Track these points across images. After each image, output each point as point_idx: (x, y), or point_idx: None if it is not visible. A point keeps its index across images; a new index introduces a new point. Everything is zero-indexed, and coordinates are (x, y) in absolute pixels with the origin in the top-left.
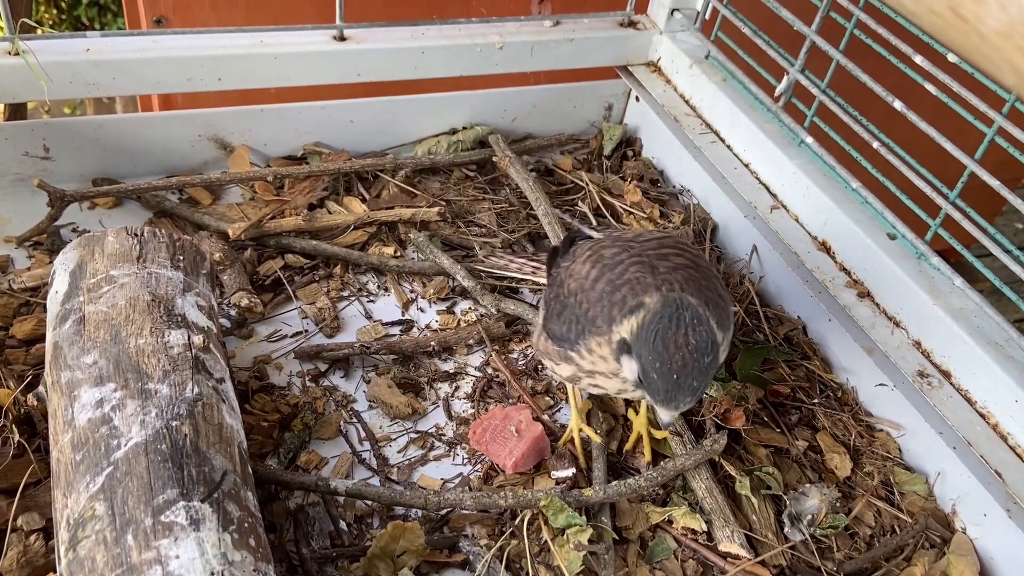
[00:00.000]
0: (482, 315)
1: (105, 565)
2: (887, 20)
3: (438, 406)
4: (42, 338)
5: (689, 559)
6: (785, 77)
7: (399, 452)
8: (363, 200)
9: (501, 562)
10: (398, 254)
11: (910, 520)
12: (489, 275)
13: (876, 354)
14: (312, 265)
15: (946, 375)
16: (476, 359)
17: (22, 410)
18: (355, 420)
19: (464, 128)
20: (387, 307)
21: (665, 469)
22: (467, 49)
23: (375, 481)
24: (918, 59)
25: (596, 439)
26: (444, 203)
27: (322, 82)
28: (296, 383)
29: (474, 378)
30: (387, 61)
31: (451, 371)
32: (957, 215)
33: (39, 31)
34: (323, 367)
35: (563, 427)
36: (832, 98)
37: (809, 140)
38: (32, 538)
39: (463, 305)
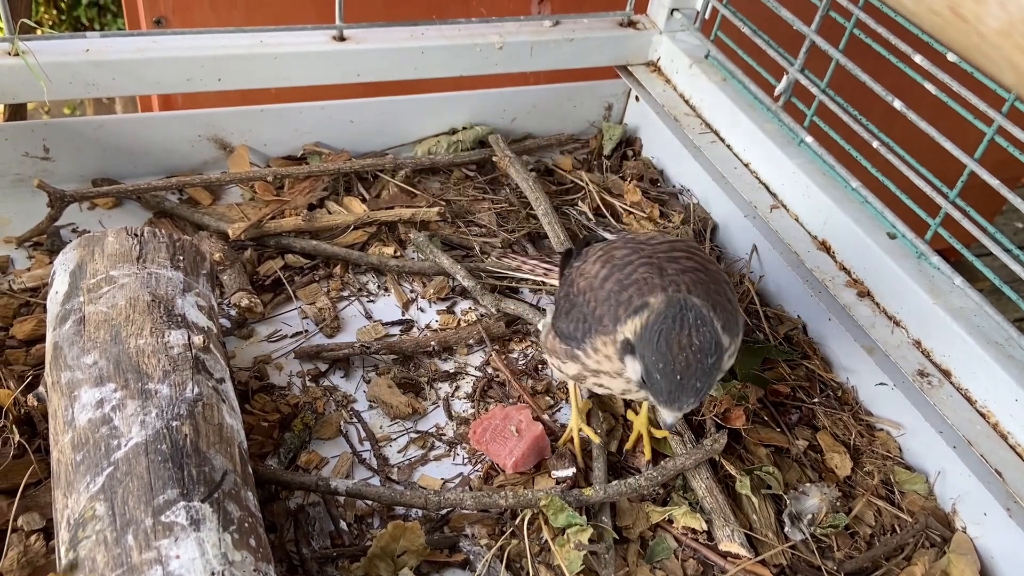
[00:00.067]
0: (482, 315)
1: (105, 565)
2: (887, 19)
3: (438, 406)
4: (42, 338)
5: (689, 558)
6: (785, 77)
7: (399, 452)
8: (363, 200)
9: (501, 562)
10: (398, 254)
11: (910, 519)
12: (500, 276)
13: (876, 353)
14: (312, 265)
15: (946, 374)
16: (476, 359)
17: (22, 410)
18: (355, 420)
19: (464, 128)
20: (387, 307)
21: (665, 468)
22: (467, 49)
23: (375, 481)
24: (918, 58)
25: (595, 439)
26: (444, 203)
27: (322, 82)
28: (296, 383)
29: (474, 378)
30: (387, 61)
31: (451, 371)
32: (957, 214)
33: (39, 32)
34: (323, 367)
35: (563, 427)
36: (832, 98)
37: (809, 139)
38: (32, 538)
39: (463, 305)
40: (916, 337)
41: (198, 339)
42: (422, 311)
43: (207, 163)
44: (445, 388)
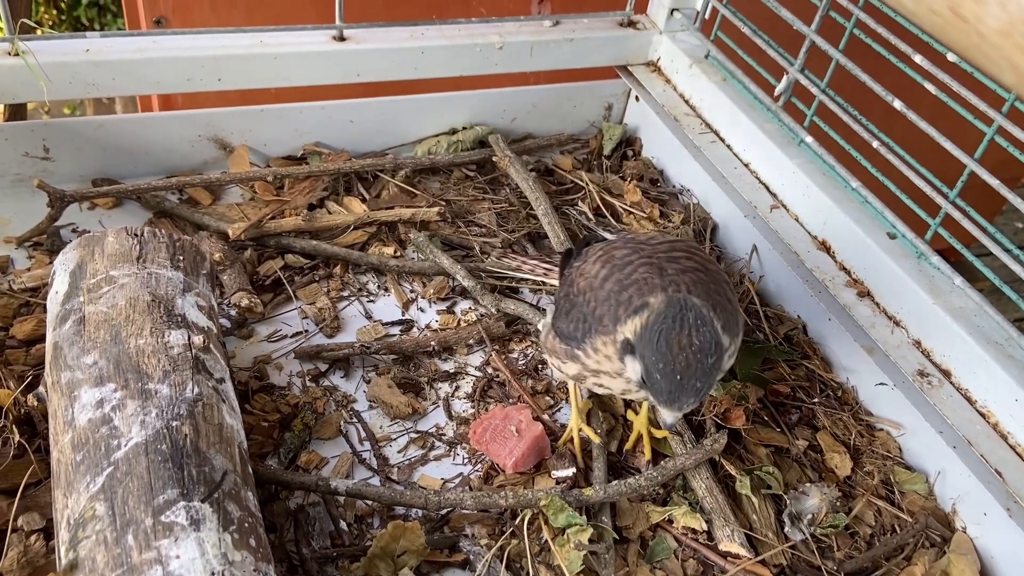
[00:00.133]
0: (482, 315)
1: (105, 565)
2: (887, 19)
3: (438, 406)
4: (42, 338)
5: (689, 558)
6: (785, 77)
7: (399, 452)
8: (363, 200)
9: (501, 562)
10: (398, 254)
11: (910, 519)
12: (500, 276)
13: (876, 353)
14: (312, 265)
15: (946, 374)
16: (476, 359)
17: (22, 410)
18: (355, 420)
19: (464, 128)
20: (387, 307)
21: (665, 468)
22: (467, 49)
23: (375, 481)
24: (918, 58)
25: (595, 439)
26: (444, 203)
27: (322, 82)
28: (296, 383)
29: (474, 378)
30: (387, 61)
31: (451, 371)
32: (957, 214)
33: (39, 32)
34: (323, 367)
35: (563, 426)
36: (832, 97)
37: (809, 139)
38: (32, 538)
39: (463, 305)
40: (916, 337)
41: (198, 339)
42: (422, 311)
43: (207, 163)
44: (445, 388)
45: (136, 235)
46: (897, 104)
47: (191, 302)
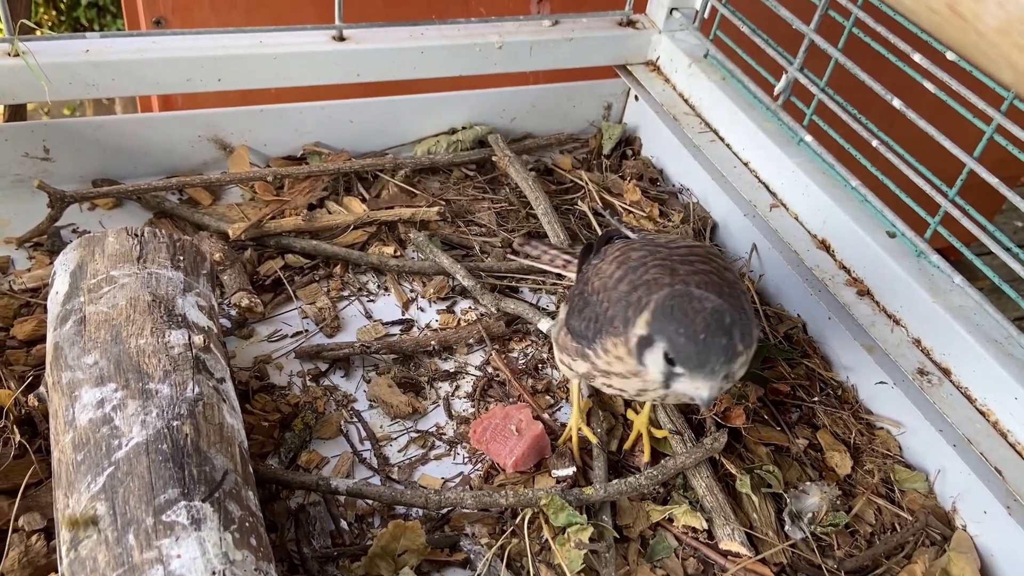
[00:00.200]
0: (482, 314)
1: (107, 565)
2: (886, 18)
3: (438, 405)
4: (43, 339)
5: (690, 557)
6: (784, 76)
7: (400, 451)
8: (363, 200)
9: (502, 561)
10: (398, 254)
11: (910, 518)
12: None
13: (876, 352)
14: (312, 265)
15: (946, 373)
16: (476, 358)
17: (23, 411)
18: (356, 419)
19: (463, 128)
20: (387, 307)
21: (665, 467)
22: (466, 49)
23: (376, 480)
24: (917, 57)
25: (593, 439)
26: (444, 203)
27: (321, 82)
28: (296, 383)
29: (474, 377)
30: (386, 61)
31: (451, 370)
32: (956, 213)
33: (38, 32)
34: (323, 367)
35: (563, 426)
36: (831, 96)
37: (808, 138)
38: (34, 538)
39: (463, 304)
40: (916, 336)
41: (198, 339)
42: (422, 311)
43: (207, 163)
44: (445, 387)
45: (136, 235)
46: (896, 103)
47: (191, 302)
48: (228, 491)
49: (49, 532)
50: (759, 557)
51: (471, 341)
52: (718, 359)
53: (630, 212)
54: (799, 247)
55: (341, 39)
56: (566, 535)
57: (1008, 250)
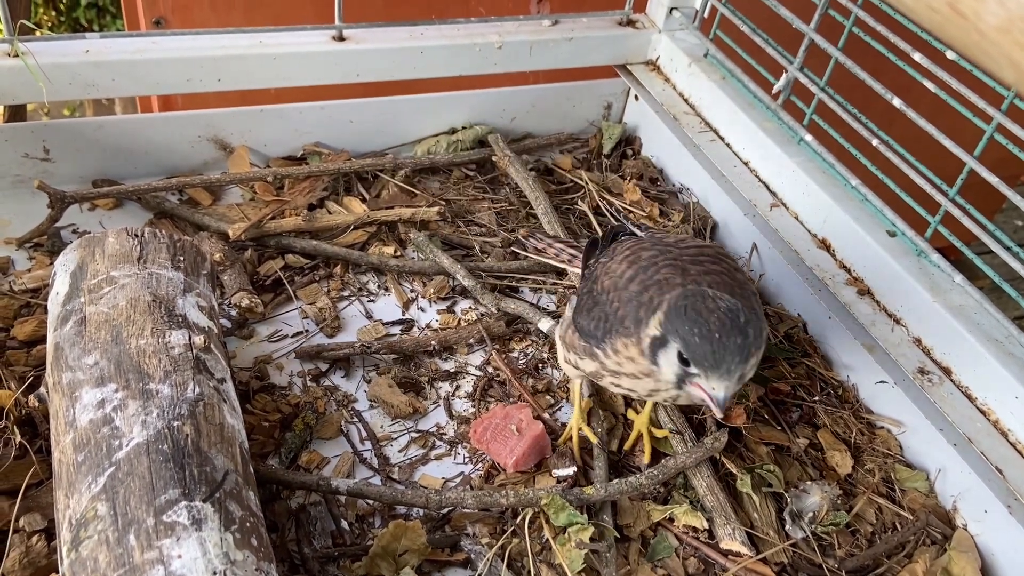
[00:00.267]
0: (482, 314)
1: (107, 565)
2: (886, 17)
3: (439, 405)
4: (43, 339)
5: (690, 557)
6: (784, 75)
7: (400, 451)
8: (363, 200)
9: (503, 561)
10: (398, 254)
11: (911, 517)
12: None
13: (876, 351)
14: (312, 265)
15: (946, 372)
16: (477, 358)
17: (23, 411)
18: (356, 420)
19: (463, 128)
20: (387, 307)
21: (666, 467)
22: (466, 49)
23: (376, 480)
24: (917, 56)
25: (594, 439)
26: (444, 203)
27: (321, 82)
28: (297, 383)
29: (475, 377)
30: (386, 61)
31: (452, 370)
32: (957, 212)
33: (38, 33)
34: (324, 367)
35: (563, 425)
36: (831, 96)
37: (808, 138)
38: (34, 539)
39: (463, 304)
40: (916, 335)
41: (199, 339)
42: (422, 311)
43: (207, 163)
44: (446, 387)
45: (137, 236)
46: (896, 102)
47: (192, 302)
48: (229, 491)
49: (50, 533)
50: (760, 557)
51: (471, 341)
52: (734, 359)
53: (630, 212)
54: (799, 246)
55: (341, 39)
56: (567, 535)
57: (1008, 249)
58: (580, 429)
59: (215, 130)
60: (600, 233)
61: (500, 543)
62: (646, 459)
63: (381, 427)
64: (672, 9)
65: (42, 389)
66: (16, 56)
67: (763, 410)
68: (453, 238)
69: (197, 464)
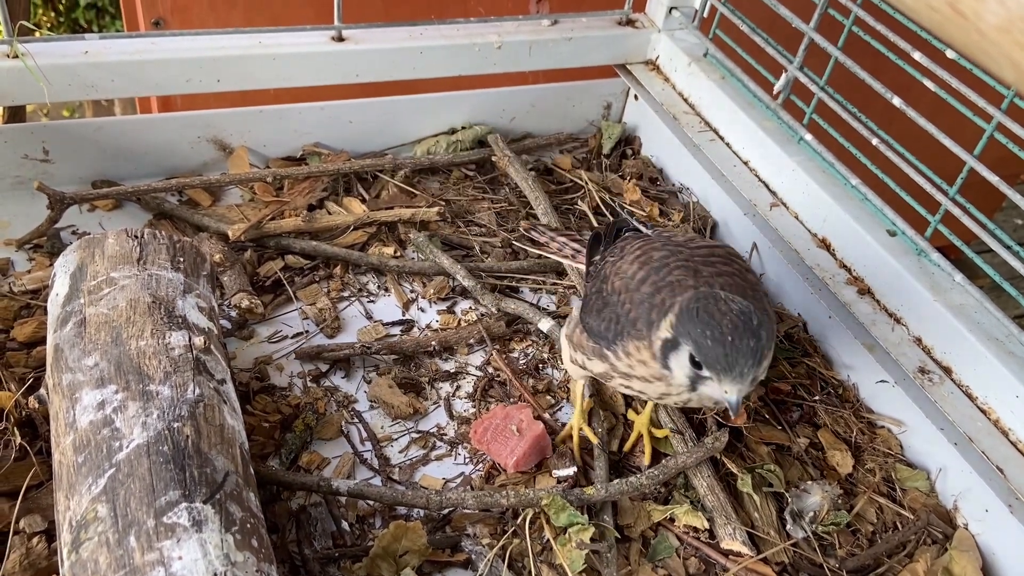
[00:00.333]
0: (482, 314)
1: (108, 567)
2: (885, 17)
3: (439, 406)
4: (43, 340)
5: (691, 557)
6: (784, 74)
7: (401, 452)
8: (363, 200)
9: (503, 561)
10: (398, 254)
11: (912, 516)
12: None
13: (877, 351)
14: (312, 266)
15: (947, 371)
16: (477, 358)
17: (23, 412)
18: (356, 420)
19: (463, 128)
20: (387, 307)
21: (667, 467)
22: (465, 49)
23: (377, 481)
24: (917, 55)
25: (594, 440)
26: (443, 203)
27: (321, 83)
28: (297, 384)
29: (475, 377)
30: (386, 61)
31: (452, 371)
32: (957, 211)
33: (37, 34)
34: (324, 368)
35: (564, 426)
36: (831, 95)
37: (808, 137)
38: (35, 540)
39: (463, 305)
40: (917, 334)
41: (199, 340)
42: (422, 311)
43: (207, 164)
44: (446, 388)
45: (136, 237)
46: (896, 101)
47: (192, 303)
48: (229, 492)
49: (50, 534)
50: (760, 556)
51: (472, 341)
52: (746, 361)
53: (630, 212)
54: (799, 246)
55: (340, 39)
56: (567, 535)
57: (1008, 248)
58: (581, 429)
59: (214, 131)
60: (603, 225)
61: (501, 543)
62: (646, 459)
63: (381, 428)
64: (671, 9)
65: (42, 390)
66: (15, 57)
67: (764, 410)
68: (453, 238)
69: (197, 465)
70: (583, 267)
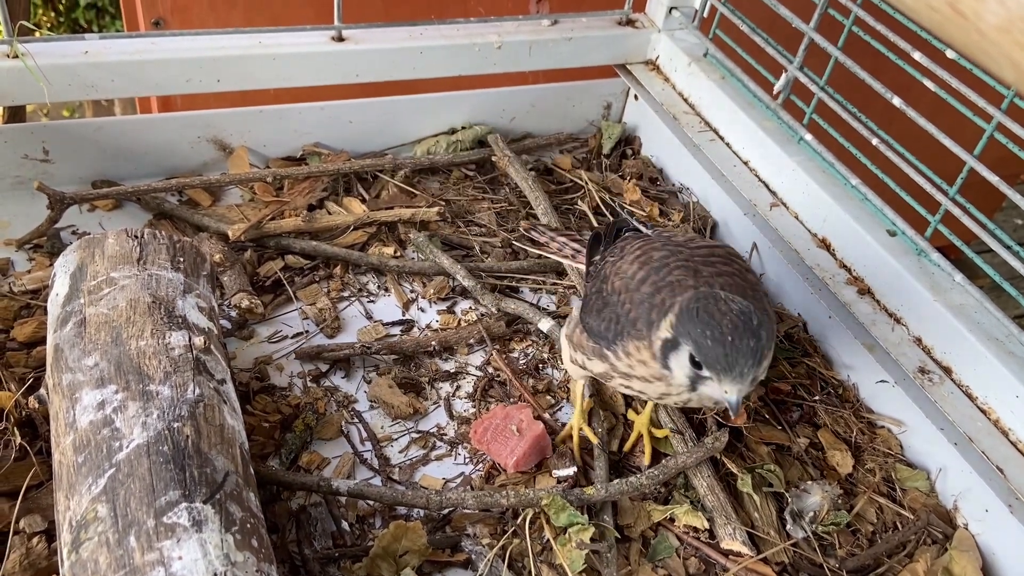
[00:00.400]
0: (482, 314)
1: (108, 567)
2: (885, 17)
3: (439, 406)
4: (43, 340)
5: (691, 557)
6: (784, 74)
7: (401, 452)
8: (363, 200)
9: (503, 561)
10: (398, 254)
11: (912, 516)
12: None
13: (877, 351)
14: (312, 266)
15: (947, 371)
16: (477, 358)
17: (23, 412)
18: (356, 420)
19: (463, 128)
20: (387, 307)
21: (667, 467)
22: (465, 49)
23: (377, 481)
24: (917, 55)
25: (594, 440)
26: (443, 203)
27: (321, 83)
28: (297, 384)
29: (475, 377)
30: (386, 61)
31: (452, 371)
32: (957, 211)
33: (37, 34)
34: (324, 368)
35: (564, 426)
36: (831, 95)
37: (808, 137)
38: (35, 540)
39: (463, 305)
40: (917, 334)
41: (199, 340)
42: (422, 311)
43: (206, 164)
44: (446, 388)
45: (136, 237)
46: (896, 101)
47: (192, 303)
48: (229, 492)
49: (50, 534)
50: (760, 556)
51: (472, 341)
52: (746, 361)
53: (630, 212)
54: (799, 246)
55: (340, 39)
56: (567, 535)
57: (1008, 248)
58: (581, 429)
59: (214, 131)
60: (603, 225)
61: (501, 544)
62: (646, 459)
63: (381, 428)
64: (671, 8)
65: (42, 390)
66: (16, 57)
67: (764, 410)
68: (453, 238)
69: (197, 465)
70: (583, 267)
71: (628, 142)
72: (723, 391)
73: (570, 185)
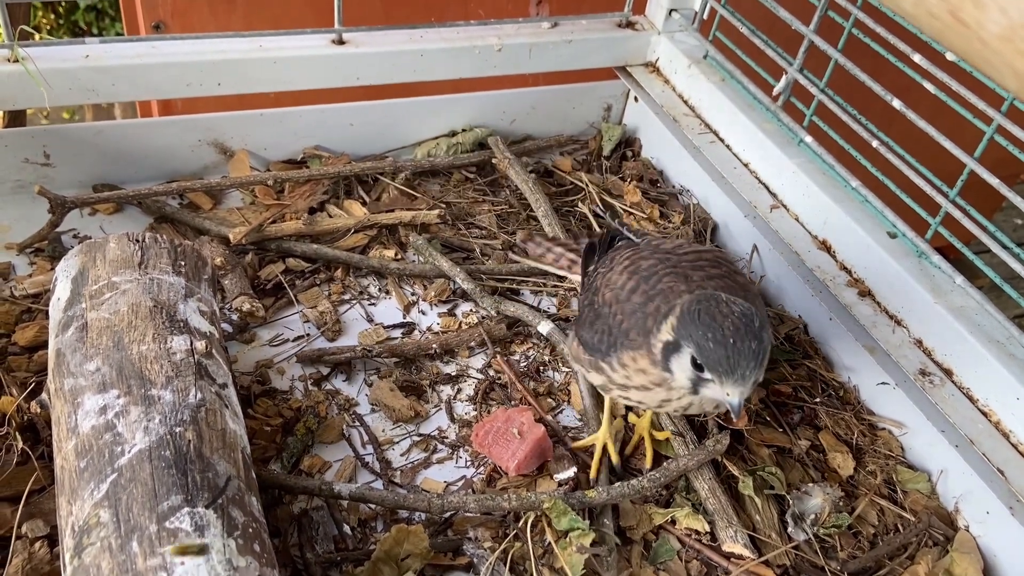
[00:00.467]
0: (483, 317)
1: (110, 572)
2: (886, 19)
3: (440, 409)
4: (44, 345)
5: (693, 560)
6: (784, 76)
7: (402, 455)
8: (363, 203)
9: (505, 564)
10: (399, 257)
11: (913, 518)
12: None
13: (877, 353)
14: (313, 269)
15: (948, 373)
16: (478, 361)
17: (25, 417)
18: (358, 424)
19: (463, 130)
20: (388, 310)
21: (668, 470)
22: (466, 51)
23: (378, 485)
24: (916, 58)
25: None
26: (444, 205)
27: (321, 86)
28: (298, 387)
29: (476, 380)
30: (386, 64)
31: (453, 373)
32: (957, 213)
33: (37, 37)
34: (325, 371)
35: (565, 428)
36: (831, 97)
37: (808, 139)
38: (37, 545)
39: (464, 307)
40: (917, 336)
41: (200, 344)
42: (423, 314)
43: (207, 168)
44: (447, 391)
45: (137, 241)
46: (896, 103)
47: (193, 307)
48: (231, 497)
49: (53, 539)
50: (762, 559)
51: (472, 344)
52: (748, 363)
53: (631, 214)
54: (800, 248)
55: (340, 42)
56: (569, 539)
57: (1008, 249)
58: (605, 445)
59: (215, 134)
60: (598, 235)
61: (502, 547)
62: (648, 462)
63: (383, 431)
64: (671, 11)
65: (44, 395)
66: (16, 61)
67: (765, 412)
68: (453, 241)
69: (199, 470)
70: (579, 278)
71: (628, 144)
72: (725, 393)
73: (570, 187)
